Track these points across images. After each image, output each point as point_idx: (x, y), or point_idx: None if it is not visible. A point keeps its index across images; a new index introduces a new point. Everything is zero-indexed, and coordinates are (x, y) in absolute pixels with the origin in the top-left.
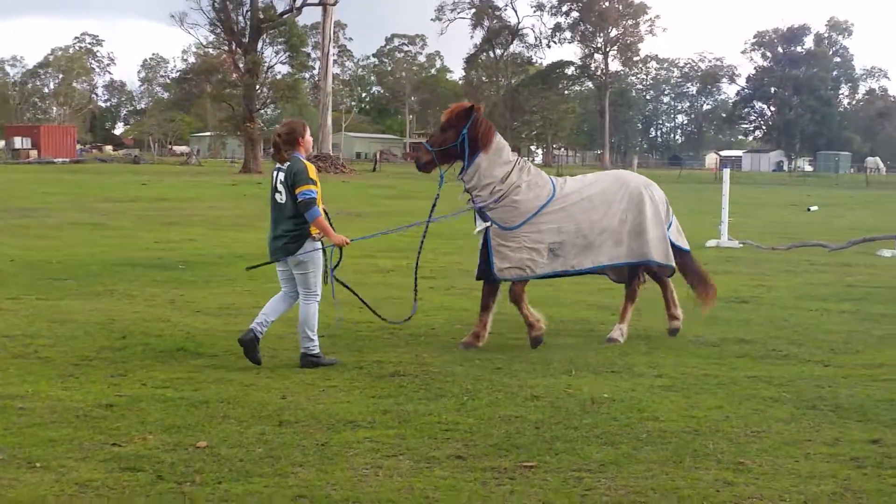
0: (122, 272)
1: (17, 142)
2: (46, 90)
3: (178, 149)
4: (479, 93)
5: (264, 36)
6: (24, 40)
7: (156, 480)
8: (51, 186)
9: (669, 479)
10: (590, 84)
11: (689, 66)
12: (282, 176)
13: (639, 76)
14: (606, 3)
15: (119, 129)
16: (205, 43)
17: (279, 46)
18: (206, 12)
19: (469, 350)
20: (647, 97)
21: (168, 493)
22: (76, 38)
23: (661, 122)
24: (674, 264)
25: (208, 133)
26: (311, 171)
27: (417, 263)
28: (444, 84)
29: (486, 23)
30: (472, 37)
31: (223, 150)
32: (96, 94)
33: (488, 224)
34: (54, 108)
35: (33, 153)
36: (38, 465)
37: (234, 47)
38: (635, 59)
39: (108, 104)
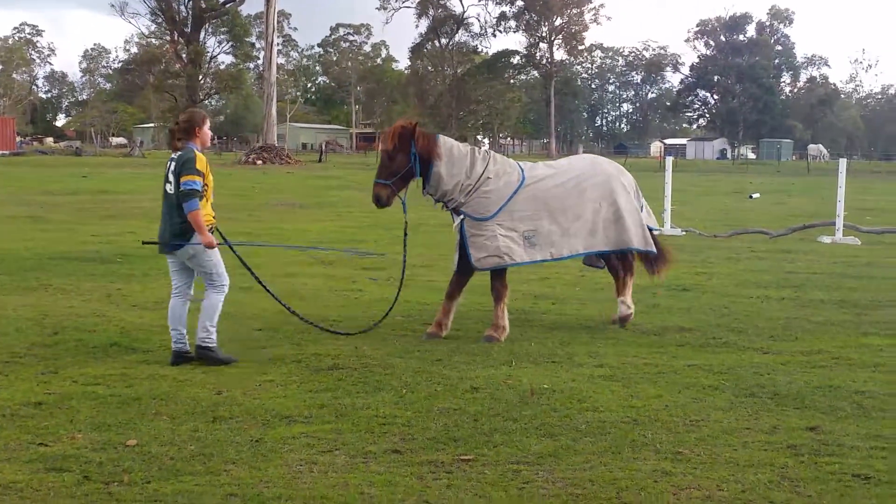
0: (58, 266)
1: None
2: None
3: (116, 140)
4: (424, 82)
5: (207, 26)
6: None
7: (82, 481)
8: None
9: (608, 470)
10: (535, 73)
11: (633, 54)
12: (172, 166)
13: (584, 65)
14: None
15: (61, 121)
16: (146, 33)
17: (222, 36)
18: (147, 1)
19: (431, 340)
20: (593, 86)
21: (94, 494)
22: (15, 28)
23: (606, 110)
24: (654, 249)
25: (152, 124)
26: (201, 162)
27: (400, 288)
28: (390, 74)
29: (432, 12)
30: (417, 26)
31: (166, 141)
32: (37, 86)
33: (462, 217)
34: None
35: None
36: None
37: (176, 37)
38: (580, 48)
39: (49, 95)
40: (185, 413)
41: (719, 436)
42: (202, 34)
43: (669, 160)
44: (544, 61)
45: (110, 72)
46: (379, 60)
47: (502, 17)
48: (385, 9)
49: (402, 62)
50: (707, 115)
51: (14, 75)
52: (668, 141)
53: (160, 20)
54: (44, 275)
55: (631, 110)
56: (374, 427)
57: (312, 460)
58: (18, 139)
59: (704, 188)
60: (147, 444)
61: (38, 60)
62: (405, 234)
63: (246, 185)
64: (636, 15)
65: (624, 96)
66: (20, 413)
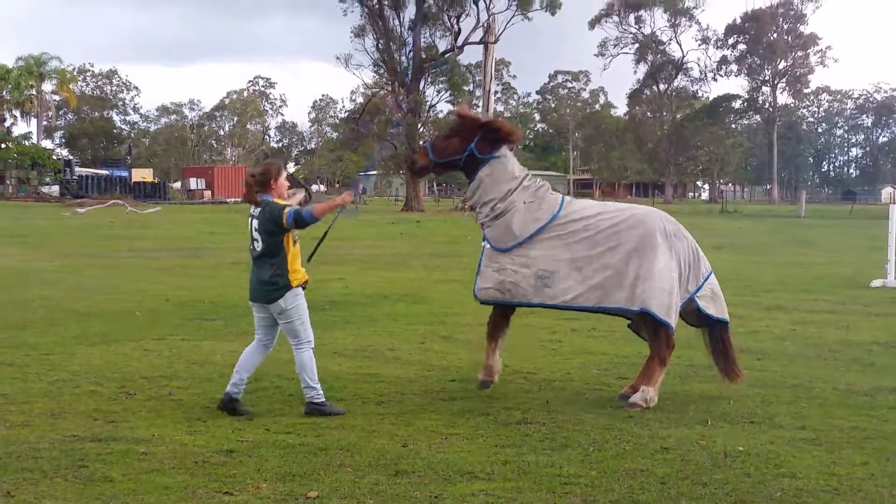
0: None
1: (193, 182)
2: (222, 132)
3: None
4: (642, 128)
5: (426, 75)
6: (201, 85)
7: None
8: (218, 226)
9: None
10: (757, 117)
11: (863, 97)
12: (255, 223)
13: (809, 108)
14: (774, 35)
15: (290, 170)
16: (368, 83)
17: (441, 85)
18: (371, 53)
19: (486, 389)
20: (819, 130)
21: None
22: (250, 81)
23: (833, 155)
24: (672, 324)
25: (374, 172)
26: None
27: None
28: (608, 120)
29: (650, 57)
30: (635, 72)
31: (388, 188)
32: (269, 135)
33: (484, 242)
34: (229, 150)
35: (207, 193)
36: None
37: (396, 87)
38: (805, 91)
39: (280, 144)
40: (368, 465)
41: None
42: (421, 83)
43: (894, 208)
44: (767, 105)
45: (337, 121)
46: (597, 107)
47: (723, 61)
48: (603, 55)
49: (621, 108)
50: None
51: (248, 126)
52: None
53: (382, 71)
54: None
55: (860, 155)
56: (555, 487)
57: None
58: None
59: None
60: (327, 497)
61: (270, 111)
62: (360, 188)
63: (460, 233)
64: (866, 56)
65: (853, 140)
66: (211, 461)
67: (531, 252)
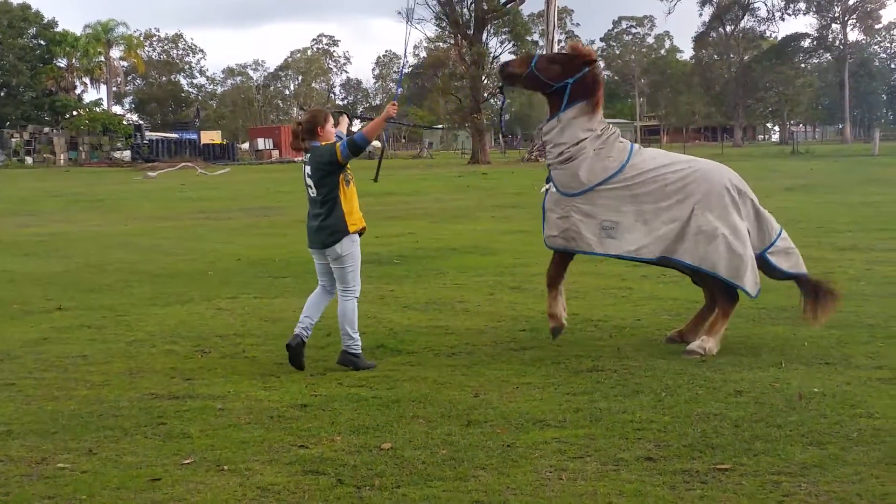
0: None
1: (261, 143)
2: (287, 92)
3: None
4: (709, 71)
5: (489, 27)
6: (266, 45)
7: (336, 484)
8: (286, 185)
9: (879, 483)
10: (828, 56)
11: None
12: (308, 169)
13: (882, 45)
14: None
15: (356, 126)
16: (431, 37)
17: (504, 36)
18: (432, 7)
19: (559, 335)
20: (893, 66)
21: (346, 498)
22: (313, 39)
23: None
24: (744, 286)
25: (440, 126)
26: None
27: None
28: (674, 65)
29: None
30: (700, 14)
31: (454, 141)
32: (334, 94)
33: (549, 186)
34: (294, 109)
35: (275, 153)
36: (225, 469)
37: (459, 40)
38: (877, 26)
39: (346, 102)
40: (440, 416)
41: None
42: (484, 35)
43: None
44: (837, 43)
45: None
46: (662, 52)
47: None
48: None
49: (687, 52)
50: None
51: (313, 85)
52: None
53: (444, 24)
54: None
55: None
56: (628, 433)
57: (562, 467)
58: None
59: None
60: (401, 448)
61: (334, 69)
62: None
63: (527, 183)
64: None
65: None
66: (286, 415)
67: (597, 201)
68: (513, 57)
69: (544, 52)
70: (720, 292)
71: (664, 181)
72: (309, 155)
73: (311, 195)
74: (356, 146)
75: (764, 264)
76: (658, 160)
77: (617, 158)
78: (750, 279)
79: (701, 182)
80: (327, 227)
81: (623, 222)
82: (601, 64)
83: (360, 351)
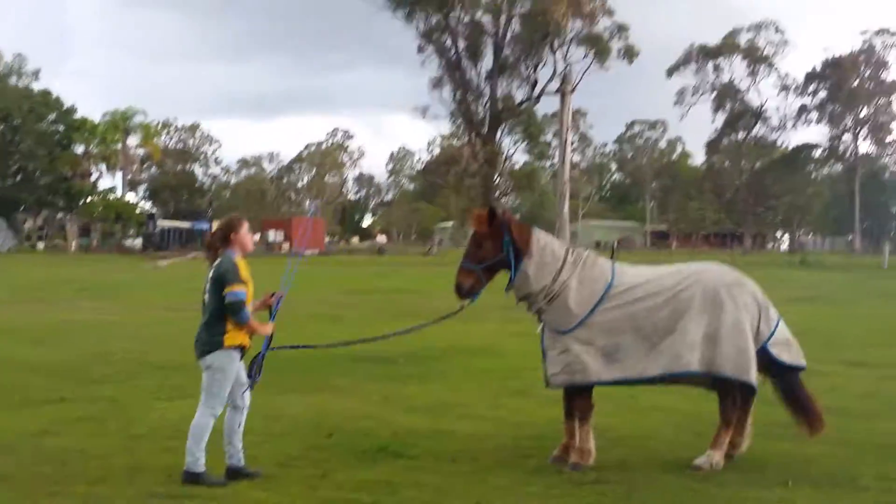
0: (343, 366)
1: (272, 235)
2: (300, 184)
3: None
4: (720, 178)
5: (503, 126)
6: (280, 137)
7: None
8: (297, 278)
9: None
10: (838, 166)
11: None
12: (210, 274)
13: (893, 156)
14: (856, 83)
15: (367, 221)
16: (445, 134)
17: (517, 136)
18: (448, 104)
19: (578, 470)
20: None
21: None
22: (328, 133)
23: None
24: (751, 381)
25: (451, 223)
26: (242, 268)
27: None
28: (685, 170)
29: (728, 106)
30: (713, 121)
31: (464, 238)
32: (346, 188)
33: (542, 325)
34: (307, 202)
35: (285, 246)
36: None
37: (473, 137)
38: (888, 139)
39: (358, 196)
40: None
41: None
42: (498, 134)
43: None
44: (848, 154)
45: (414, 173)
46: (675, 156)
47: (803, 109)
48: (681, 104)
49: (698, 157)
50: None
51: (326, 178)
52: None
53: (459, 121)
54: (329, 374)
55: None
56: None
57: None
58: (327, 239)
59: None
60: None
61: (348, 163)
62: (458, 310)
63: None
64: None
65: None
66: None
67: (594, 327)
68: (457, 281)
69: (561, 162)
70: (724, 400)
71: (655, 293)
72: (217, 262)
73: (204, 301)
74: (235, 315)
75: (764, 356)
76: (644, 275)
77: (601, 279)
78: (754, 373)
79: (692, 287)
80: (202, 337)
81: (623, 343)
82: (498, 209)
83: (202, 470)
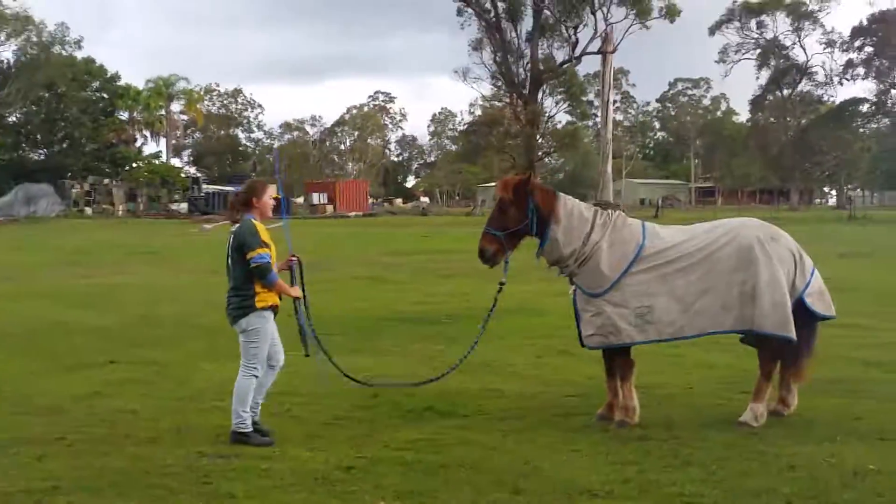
0: (388, 327)
1: (315, 197)
2: (343, 147)
3: (423, 200)
4: (765, 135)
5: (544, 87)
6: (323, 101)
7: None
8: (341, 240)
9: None
10: (886, 121)
11: None
12: (232, 240)
13: None
14: None
15: (410, 182)
16: (486, 96)
17: (559, 96)
18: (488, 66)
19: (624, 428)
20: None
21: None
22: (370, 96)
23: None
24: (792, 335)
25: (494, 184)
26: (262, 232)
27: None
28: (730, 127)
29: (773, 62)
30: (757, 77)
31: None
32: (389, 150)
33: (574, 288)
34: (350, 164)
35: (329, 208)
36: None
37: (514, 99)
38: None
39: (400, 158)
40: (489, 483)
41: None
42: (539, 95)
43: None
44: None
45: (456, 134)
46: (718, 113)
47: (849, 64)
48: (724, 62)
49: (743, 115)
50: None
51: (369, 140)
52: None
53: (500, 83)
54: (375, 335)
55: None
56: None
57: None
58: (371, 200)
59: None
60: None
61: (390, 126)
62: (499, 290)
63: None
64: None
65: None
66: (331, 477)
67: (626, 289)
68: (481, 247)
69: (604, 121)
70: (762, 353)
71: (688, 253)
72: (238, 227)
73: (229, 265)
74: (262, 278)
75: (800, 307)
76: (677, 236)
77: (632, 241)
78: (792, 328)
79: (727, 245)
80: (234, 302)
81: (657, 304)
82: (527, 175)
83: (250, 429)
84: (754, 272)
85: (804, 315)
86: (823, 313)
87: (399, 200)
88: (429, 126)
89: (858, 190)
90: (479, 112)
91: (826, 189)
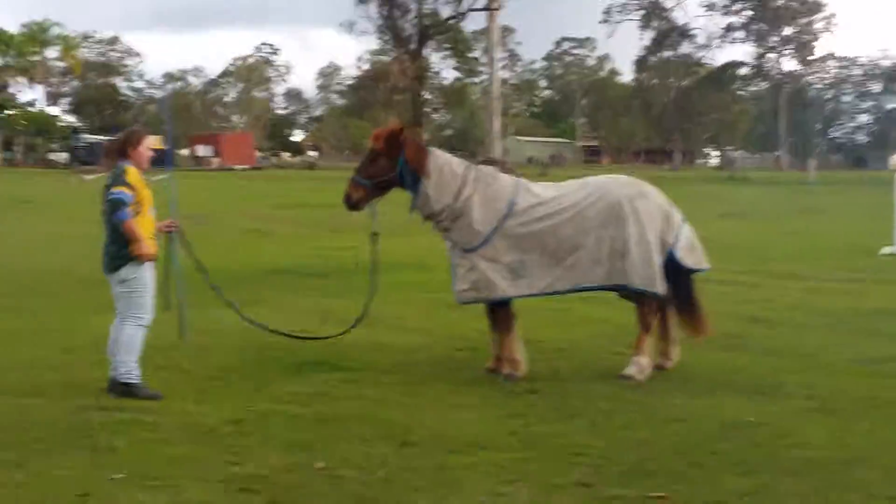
0: (274, 281)
1: (200, 150)
2: (227, 99)
3: (311, 154)
4: (649, 95)
5: (431, 42)
6: (207, 52)
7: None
8: (225, 193)
9: None
10: (764, 84)
11: (871, 64)
12: (104, 189)
13: (817, 75)
14: (781, 1)
15: (297, 137)
16: (372, 50)
17: (446, 52)
18: (375, 20)
19: (512, 381)
20: (827, 97)
21: None
22: (255, 47)
23: (842, 122)
24: (658, 290)
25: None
26: (131, 175)
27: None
28: (615, 87)
29: (655, 24)
30: (641, 38)
31: None
32: (275, 103)
33: (449, 244)
34: (235, 117)
35: (215, 160)
36: (154, 485)
37: (401, 54)
38: (811, 57)
39: (287, 112)
40: (377, 436)
41: None
42: (426, 51)
43: None
44: (774, 72)
45: (344, 88)
46: (603, 73)
47: (729, 28)
48: (608, 22)
49: (627, 75)
50: None
51: (254, 93)
52: None
53: (387, 38)
54: (259, 289)
55: (871, 122)
56: (563, 457)
57: (497, 491)
58: (258, 154)
59: None
60: (336, 468)
61: (275, 79)
62: (374, 241)
63: None
64: (872, 23)
65: (863, 107)
66: (218, 430)
67: (498, 244)
68: (347, 191)
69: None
70: (639, 307)
71: (559, 209)
72: (111, 171)
73: (104, 215)
74: (115, 214)
75: (670, 261)
76: (548, 192)
77: (504, 197)
78: (660, 283)
79: (596, 202)
80: (111, 251)
81: (528, 259)
82: (399, 127)
83: (138, 381)
84: (622, 229)
85: (674, 269)
86: (694, 266)
87: (286, 154)
88: (316, 79)
89: (738, 151)
90: (366, 67)
91: (708, 150)
